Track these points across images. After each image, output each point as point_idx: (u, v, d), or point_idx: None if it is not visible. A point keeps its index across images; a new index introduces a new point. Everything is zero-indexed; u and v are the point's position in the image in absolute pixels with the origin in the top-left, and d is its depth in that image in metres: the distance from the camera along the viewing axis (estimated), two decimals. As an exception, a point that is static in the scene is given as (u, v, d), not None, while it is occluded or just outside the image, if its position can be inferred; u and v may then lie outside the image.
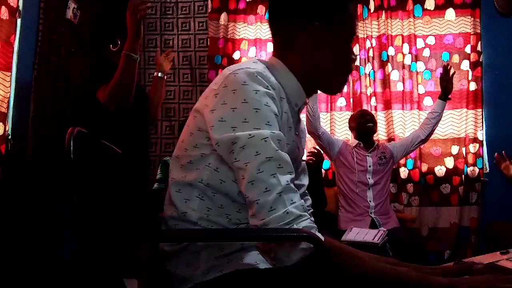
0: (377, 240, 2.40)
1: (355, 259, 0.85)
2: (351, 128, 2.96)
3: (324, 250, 0.75)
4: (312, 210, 1.14)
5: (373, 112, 3.15)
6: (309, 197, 1.15)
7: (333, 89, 1.08)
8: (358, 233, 2.51)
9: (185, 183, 0.94)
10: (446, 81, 2.70)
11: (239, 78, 0.89)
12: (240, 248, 0.92)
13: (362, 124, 2.82)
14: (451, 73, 2.71)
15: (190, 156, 0.94)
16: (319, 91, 1.09)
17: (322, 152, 2.82)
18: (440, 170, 3.18)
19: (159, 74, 2.32)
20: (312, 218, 1.10)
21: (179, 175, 0.96)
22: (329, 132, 3.05)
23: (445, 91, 2.71)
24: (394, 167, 2.97)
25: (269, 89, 0.90)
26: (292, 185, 0.85)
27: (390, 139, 3.20)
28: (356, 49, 3.28)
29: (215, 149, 0.89)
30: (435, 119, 2.76)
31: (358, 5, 3.19)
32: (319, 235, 0.84)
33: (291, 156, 0.89)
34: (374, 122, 2.89)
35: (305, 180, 1.14)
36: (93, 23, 2.06)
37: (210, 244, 0.92)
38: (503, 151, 2.97)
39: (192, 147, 0.94)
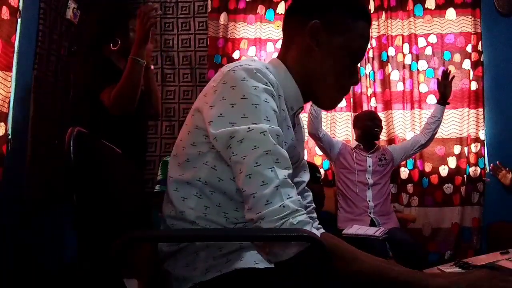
0: (378, 234, 2.41)
1: (353, 257, 0.84)
2: (356, 126, 2.95)
3: (323, 249, 0.74)
4: (314, 206, 1.13)
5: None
6: (310, 193, 1.14)
7: (323, 101, 1.04)
8: (359, 229, 2.52)
9: (183, 182, 0.94)
10: (444, 86, 2.69)
11: (238, 75, 0.88)
12: (239, 247, 0.91)
13: (370, 127, 2.81)
14: (450, 77, 2.70)
15: (188, 154, 0.93)
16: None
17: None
18: (444, 170, 3.18)
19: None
20: (315, 214, 1.10)
21: (176, 174, 0.96)
22: (329, 133, 3.05)
23: (443, 96, 2.71)
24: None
25: (268, 86, 0.89)
26: (289, 180, 0.84)
27: (390, 140, 3.20)
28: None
29: (213, 144, 0.88)
30: (435, 124, 2.76)
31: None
32: (316, 231, 0.83)
33: (290, 156, 0.88)
34: (381, 128, 2.89)
35: (305, 177, 1.12)
36: (93, 23, 2.04)
37: (208, 244, 0.91)
38: (497, 161, 2.99)
39: (189, 145, 0.93)
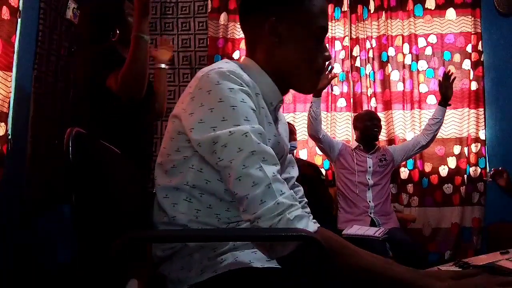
0: (378, 235, 2.41)
1: (350, 252, 0.85)
2: (355, 127, 2.95)
3: (321, 248, 0.75)
4: (306, 200, 1.13)
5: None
6: (301, 188, 1.15)
7: (302, 89, 1.05)
8: (359, 229, 2.52)
9: (171, 188, 0.94)
10: (445, 87, 2.69)
11: (212, 79, 0.89)
12: (233, 247, 0.92)
13: (369, 128, 2.81)
14: (451, 79, 2.69)
15: (173, 161, 0.94)
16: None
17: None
18: (443, 170, 3.18)
19: (162, 65, 2.15)
20: (308, 209, 1.10)
21: (164, 181, 0.96)
22: (329, 134, 3.05)
23: (445, 97, 2.71)
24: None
25: (243, 86, 0.90)
26: (278, 176, 0.85)
27: (390, 140, 3.20)
28: (356, 50, 3.28)
29: (197, 150, 0.89)
30: (436, 125, 2.76)
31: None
32: (312, 224, 0.83)
33: (275, 152, 0.88)
34: (380, 128, 2.89)
35: (293, 172, 1.14)
36: (91, 17, 1.94)
37: (202, 245, 0.91)
38: (492, 169, 2.97)
39: (174, 151, 0.94)
